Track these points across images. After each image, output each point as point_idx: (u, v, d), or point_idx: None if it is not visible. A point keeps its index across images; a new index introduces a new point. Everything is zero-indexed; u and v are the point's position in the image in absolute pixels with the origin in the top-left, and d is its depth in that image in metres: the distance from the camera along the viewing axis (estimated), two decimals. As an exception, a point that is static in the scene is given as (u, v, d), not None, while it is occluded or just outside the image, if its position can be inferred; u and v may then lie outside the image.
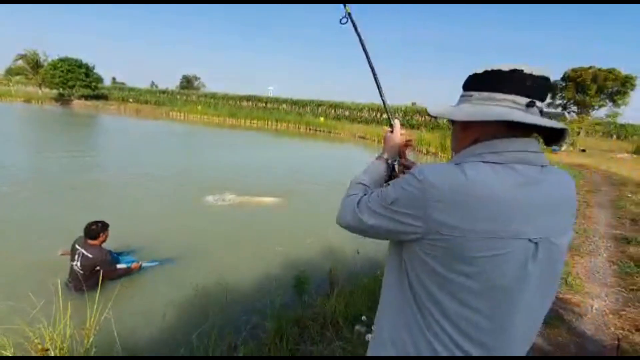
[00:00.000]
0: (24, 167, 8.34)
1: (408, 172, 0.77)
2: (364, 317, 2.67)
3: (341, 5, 1.19)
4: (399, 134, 1.12)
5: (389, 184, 0.80)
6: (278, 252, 4.60)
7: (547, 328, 2.68)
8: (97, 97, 40.25)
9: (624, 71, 22.25)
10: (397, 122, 1.14)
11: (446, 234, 0.68)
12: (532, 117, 0.71)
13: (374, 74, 1.22)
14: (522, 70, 0.72)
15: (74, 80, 37.25)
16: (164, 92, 47.34)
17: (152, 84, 70.89)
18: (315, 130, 27.32)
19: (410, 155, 1.17)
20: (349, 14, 1.20)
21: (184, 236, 4.87)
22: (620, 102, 23.47)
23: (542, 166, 0.73)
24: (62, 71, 36.68)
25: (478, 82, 0.77)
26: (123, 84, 61.82)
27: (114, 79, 75.66)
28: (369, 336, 0.93)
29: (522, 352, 0.78)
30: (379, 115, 34.07)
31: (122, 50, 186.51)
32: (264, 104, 40.23)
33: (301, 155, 15.03)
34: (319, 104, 38.26)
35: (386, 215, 0.77)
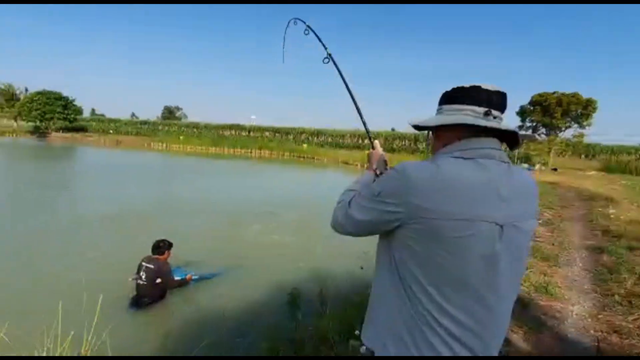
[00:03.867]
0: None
1: (391, 168, 0.90)
2: (357, 332, 2.72)
3: (322, 48, 1.46)
4: (380, 150, 1.25)
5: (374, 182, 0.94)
6: (272, 274, 4.65)
7: (532, 333, 2.80)
8: (76, 130, 39.67)
9: (584, 95, 23.94)
10: (376, 142, 1.29)
11: (424, 216, 0.78)
12: (485, 122, 0.84)
13: (355, 102, 1.41)
14: (479, 87, 0.88)
15: (51, 113, 36.66)
16: (145, 122, 47.16)
17: (133, 115, 70.78)
18: (299, 156, 27.67)
19: None
20: (330, 54, 1.44)
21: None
22: (584, 123, 25.01)
23: (506, 163, 0.86)
24: (40, 104, 36.15)
25: (447, 98, 0.93)
26: (103, 115, 61.32)
27: (93, 110, 75.10)
28: (363, 348, 1.01)
29: (503, 327, 0.88)
30: (360, 140, 34.97)
31: (102, 82, 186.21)
32: (247, 133, 40.65)
33: (290, 182, 15.13)
34: (301, 131, 38.93)
35: (373, 207, 0.87)
